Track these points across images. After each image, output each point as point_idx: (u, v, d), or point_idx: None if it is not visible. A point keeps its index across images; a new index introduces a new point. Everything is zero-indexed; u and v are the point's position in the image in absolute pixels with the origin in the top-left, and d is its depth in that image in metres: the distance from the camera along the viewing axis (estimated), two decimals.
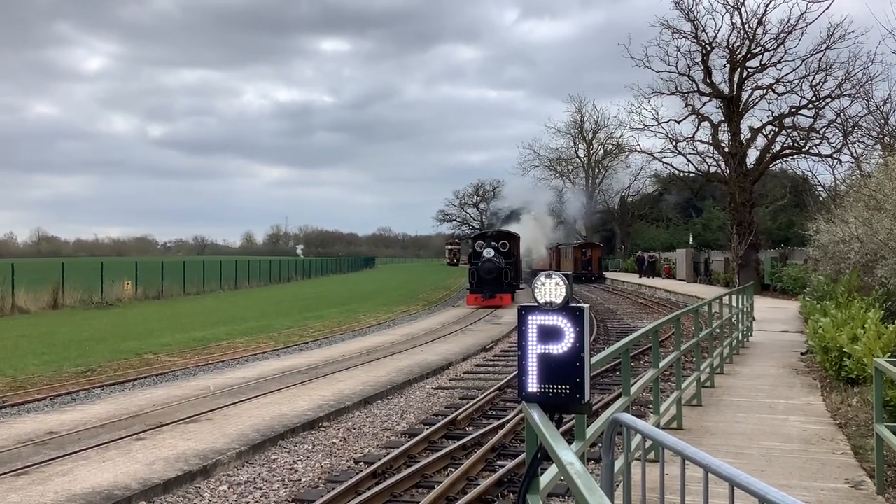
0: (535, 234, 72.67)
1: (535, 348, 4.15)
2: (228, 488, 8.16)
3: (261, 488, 8.20)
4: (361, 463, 9.19)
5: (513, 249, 38.33)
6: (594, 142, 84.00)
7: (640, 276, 55.20)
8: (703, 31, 36.84)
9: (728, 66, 37.20)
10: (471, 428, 11.05)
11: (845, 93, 34.58)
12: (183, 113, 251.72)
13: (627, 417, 3.81)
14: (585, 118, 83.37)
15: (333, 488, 7.90)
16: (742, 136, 37.82)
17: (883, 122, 32.77)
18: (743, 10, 35.75)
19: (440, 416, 11.72)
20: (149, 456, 8.84)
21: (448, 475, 8.49)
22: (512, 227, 66.95)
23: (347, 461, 9.34)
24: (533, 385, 4.16)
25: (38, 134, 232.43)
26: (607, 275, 64.60)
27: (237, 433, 10.01)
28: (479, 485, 8.03)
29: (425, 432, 10.34)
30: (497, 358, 18.72)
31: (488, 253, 34.34)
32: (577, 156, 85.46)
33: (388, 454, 9.25)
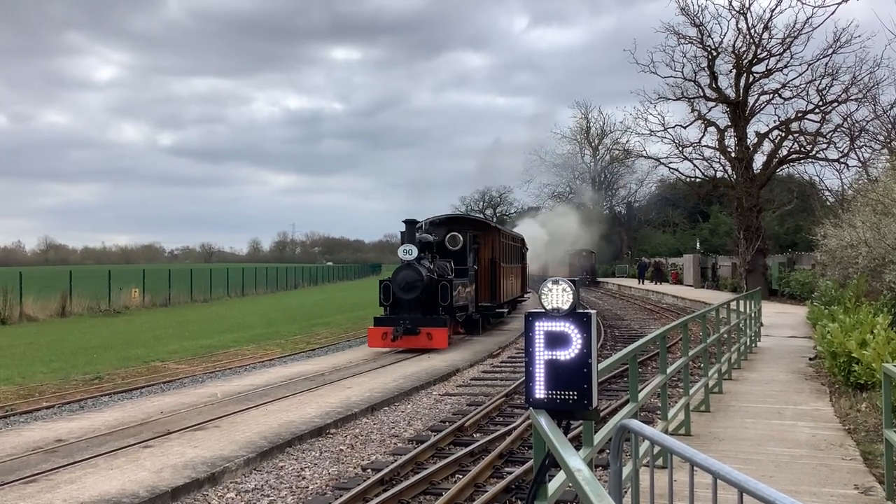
0: (575, 234, 68.17)
1: (542, 354, 4.15)
2: (236, 495, 8.16)
3: (268, 495, 8.20)
4: (369, 470, 9.18)
5: (475, 249, 24.56)
6: (600, 147, 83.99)
7: (640, 282, 54.83)
8: (709, 36, 36.91)
9: (734, 70, 37.20)
10: (478, 434, 11.03)
11: (852, 97, 34.62)
12: (193, 121, 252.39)
13: (635, 423, 3.80)
14: (591, 124, 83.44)
15: (341, 495, 7.90)
16: (748, 140, 37.82)
17: (890, 126, 32.75)
18: (749, 15, 35.79)
19: (447, 423, 11.70)
20: (157, 463, 8.85)
21: (456, 482, 8.48)
22: (529, 224, 64.14)
23: (355, 468, 9.33)
24: (540, 391, 4.16)
25: (48, 142, 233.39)
26: (614, 280, 64.73)
27: (245, 440, 10.02)
28: (486, 491, 8.02)
29: (433, 439, 10.33)
30: (504, 364, 18.69)
31: (408, 253, 20.52)
32: (583, 161, 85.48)
33: (396, 461, 9.23)
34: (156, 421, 11.44)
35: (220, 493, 8.22)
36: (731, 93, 37.40)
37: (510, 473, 8.60)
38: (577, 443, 5.58)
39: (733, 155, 37.80)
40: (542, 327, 4.17)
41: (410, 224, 21.36)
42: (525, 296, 35.26)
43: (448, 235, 23.64)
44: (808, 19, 34.34)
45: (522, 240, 34.88)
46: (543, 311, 4.18)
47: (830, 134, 35.93)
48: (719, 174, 39.67)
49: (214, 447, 9.63)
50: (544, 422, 3.96)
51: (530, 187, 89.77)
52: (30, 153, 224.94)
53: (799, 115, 36.57)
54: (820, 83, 35.44)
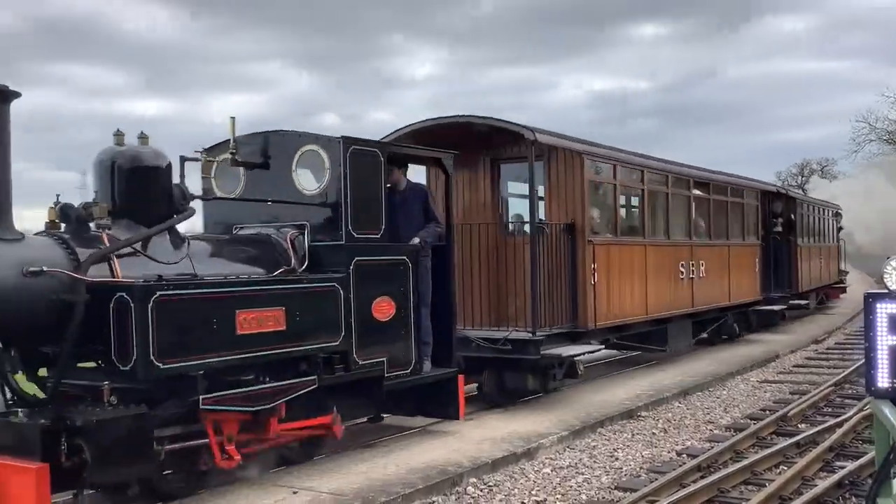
0: None
1: (885, 339, 3.83)
2: (552, 471, 8.37)
3: (583, 473, 8.32)
4: (684, 455, 8.97)
5: (402, 195, 8.94)
6: None
7: None
8: None
9: None
10: (803, 425, 10.34)
11: None
12: (504, 108, 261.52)
13: None
14: None
15: (656, 479, 7.81)
16: None
17: None
18: None
19: (768, 411, 11.09)
20: (477, 436, 9.34)
21: (780, 474, 8.03)
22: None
23: (669, 452, 9.17)
24: (883, 380, 3.84)
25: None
26: None
27: (557, 419, 10.24)
28: (815, 486, 7.50)
29: (752, 427, 9.86)
30: (830, 351, 17.31)
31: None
32: None
33: (713, 448, 8.94)
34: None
35: (536, 468, 8.47)
36: None
37: (842, 468, 7.98)
38: None
39: None
40: (884, 310, 3.84)
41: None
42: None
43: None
44: None
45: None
46: (886, 291, 3.83)
47: None
48: None
49: (529, 423, 9.96)
50: (889, 412, 3.64)
51: (857, 157, 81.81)
52: None
53: None
54: None
